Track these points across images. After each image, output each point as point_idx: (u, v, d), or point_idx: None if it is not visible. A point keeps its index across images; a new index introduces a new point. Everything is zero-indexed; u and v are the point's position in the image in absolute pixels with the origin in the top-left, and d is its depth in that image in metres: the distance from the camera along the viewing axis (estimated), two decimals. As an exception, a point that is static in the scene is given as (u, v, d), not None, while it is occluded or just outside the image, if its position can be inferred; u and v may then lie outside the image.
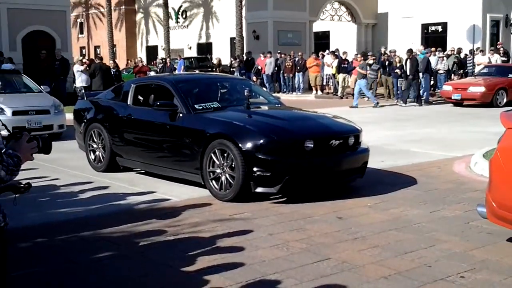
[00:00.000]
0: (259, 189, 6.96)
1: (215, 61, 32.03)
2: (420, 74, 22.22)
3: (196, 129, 7.62)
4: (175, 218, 6.42)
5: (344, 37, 35.18)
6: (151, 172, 8.57)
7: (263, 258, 5.05)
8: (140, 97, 9.04)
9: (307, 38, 31.45)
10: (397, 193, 7.48)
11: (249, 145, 6.93)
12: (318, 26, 34.12)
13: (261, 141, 6.94)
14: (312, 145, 7.04)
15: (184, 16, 46.82)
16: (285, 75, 27.69)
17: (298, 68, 27.14)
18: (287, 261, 4.97)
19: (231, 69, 28.37)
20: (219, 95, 8.72)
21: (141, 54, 50.43)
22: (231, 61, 29.75)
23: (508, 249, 5.25)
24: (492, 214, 5.19)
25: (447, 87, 21.54)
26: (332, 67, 26.39)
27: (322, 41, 36.04)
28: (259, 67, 27.56)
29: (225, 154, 7.11)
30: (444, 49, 27.09)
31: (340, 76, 25.61)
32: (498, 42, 27.94)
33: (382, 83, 24.40)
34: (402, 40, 31.68)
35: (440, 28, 32.76)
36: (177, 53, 39.15)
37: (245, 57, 29.07)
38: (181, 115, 7.87)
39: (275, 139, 7.01)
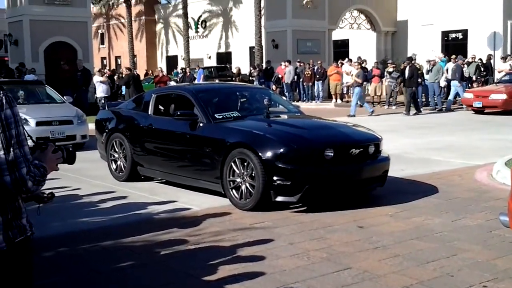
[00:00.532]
0: (279, 198, 6.97)
1: (234, 70, 32.15)
2: (456, 82, 22.15)
3: (216, 138, 7.66)
4: (195, 227, 6.45)
5: (364, 45, 35.10)
6: (171, 182, 8.62)
7: (284, 267, 5.06)
8: (160, 107, 9.09)
9: (326, 47, 31.45)
10: (418, 202, 7.44)
11: (269, 154, 6.94)
12: (337, 35, 34.10)
13: (281, 150, 6.95)
14: (332, 154, 7.03)
15: (203, 26, 47.09)
16: (304, 83, 27.69)
17: (318, 76, 27.13)
18: (308, 270, 4.96)
19: (251, 78, 28.45)
20: (239, 104, 8.76)
21: (161, 64, 50.77)
22: (251, 70, 29.83)
23: (532, 259, 5.19)
24: None
25: (468, 95, 21.37)
26: (351, 75, 26.31)
27: (341, 49, 36.01)
28: (280, 76, 27.60)
29: (245, 163, 7.13)
30: (465, 57, 26.89)
31: (360, 84, 25.53)
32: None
33: (402, 92, 24.27)
34: (422, 48, 31.55)
35: (460, 35, 32.56)
36: (197, 63, 39.40)
37: (264, 66, 29.14)
38: (201, 124, 7.91)
39: (294, 147, 7.02)
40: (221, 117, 7.98)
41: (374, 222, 6.51)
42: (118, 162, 9.31)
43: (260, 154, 6.97)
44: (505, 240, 5.75)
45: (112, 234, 6.29)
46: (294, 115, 8.89)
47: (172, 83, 26.28)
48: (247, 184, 7.13)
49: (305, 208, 7.15)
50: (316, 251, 5.49)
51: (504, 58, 25.49)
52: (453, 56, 25.18)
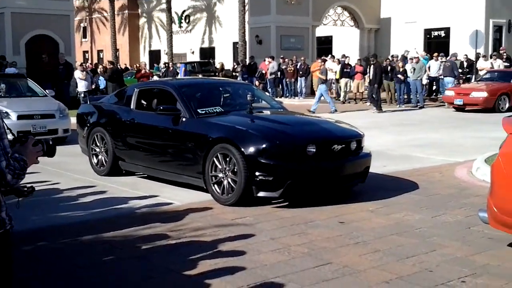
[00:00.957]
0: (261, 194, 6.98)
1: (218, 66, 32.09)
2: (451, 79, 22.39)
3: (198, 133, 7.66)
4: (177, 222, 6.44)
5: (347, 42, 35.22)
6: (153, 176, 8.60)
7: (265, 262, 5.07)
8: (143, 102, 9.06)
9: (309, 43, 31.51)
10: (398, 198, 7.49)
11: (251, 149, 6.96)
12: (321, 31, 34.18)
13: (264, 145, 6.97)
14: (314, 150, 7.06)
15: (187, 20, 46.92)
16: (286, 80, 27.71)
17: (301, 72, 27.18)
18: (289, 265, 4.98)
19: (234, 74, 28.42)
20: (221, 100, 8.75)
21: (144, 58, 50.48)
22: (234, 66, 29.79)
23: (509, 254, 5.26)
24: (493, 219, 5.20)
25: (449, 92, 21.55)
26: (334, 72, 26.43)
27: (325, 46, 36.10)
28: (263, 71, 27.61)
29: (228, 159, 7.13)
30: (446, 55, 27.10)
31: (343, 81, 25.67)
32: (501, 47, 27.96)
33: (385, 88, 24.43)
34: (405, 45, 31.71)
35: (443, 33, 32.79)
36: (180, 58, 39.25)
37: (247, 62, 29.12)
38: (184, 119, 7.91)
39: (277, 143, 7.04)
40: (204, 112, 7.97)
41: (355, 218, 6.55)
42: (99, 157, 9.26)
43: (242, 149, 6.98)
44: (483, 236, 5.82)
45: (92, 228, 6.26)
46: (277, 111, 8.90)
47: (155, 78, 26.15)
48: (229, 180, 7.13)
49: (287, 203, 7.17)
50: (297, 246, 5.51)
51: (485, 57, 25.73)
52: (435, 54, 25.41)
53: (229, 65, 34.10)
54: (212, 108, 8.10)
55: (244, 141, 7.07)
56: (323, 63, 22.94)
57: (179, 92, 8.30)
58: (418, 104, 22.54)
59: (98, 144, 9.27)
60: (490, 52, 28.80)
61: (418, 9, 32.63)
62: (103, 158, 9.20)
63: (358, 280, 4.65)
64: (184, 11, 46.72)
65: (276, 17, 30.23)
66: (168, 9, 42.42)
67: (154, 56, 49.04)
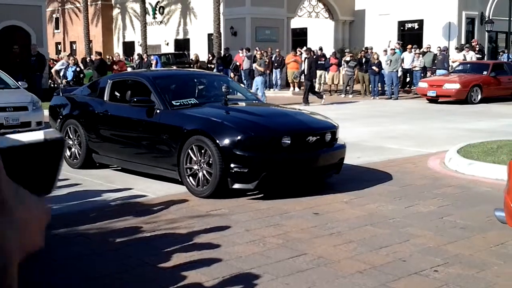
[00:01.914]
0: (236, 186, 6.99)
1: (192, 58, 31.94)
2: (444, 71, 22.64)
3: (173, 125, 7.62)
4: (151, 215, 6.42)
5: (322, 34, 35.31)
6: (127, 169, 8.54)
7: (240, 254, 5.08)
8: (117, 93, 8.98)
9: (284, 35, 31.51)
10: (372, 189, 7.56)
11: (226, 141, 6.95)
12: (296, 23, 34.20)
13: (239, 137, 6.96)
14: (289, 141, 7.08)
15: (161, 11, 46.59)
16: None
17: (276, 64, 27.19)
18: (264, 257, 5.00)
19: (209, 66, 28.32)
20: (196, 91, 8.72)
21: (118, 49, 49.98)
22: (209, 58, 29.67)
23: (481, 244, 5.35)
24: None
25: (422, 84, 21.77)
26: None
27: (300, 37, 36.14)
28: (238, 63, 27.55)
29: (202, 151, 7.12)
30: (420, 46, 27.34)
31: (317, 73, 25.71)
32: (473, 40, 28.28)
33: (359, 80, 24.60)
34: (379, 37, 31.93)
35: (416, 25, 33.07)
36: (154, 49, 38.98)
37: (222, 53, 29.02)
38: (158, 111, 7.85)
39: (252, 135, 7.04)
40: (178, 104, 7.93)
41: (330, 209, 6.60)
42: (73, 149, 9.16)
43: (217, 141, 6.97)
44: (456, 226, 5.90)
45: (66, 221, 6.20)
46: (252, 102, 8.89)
47: (129, 70, 25.89)
48: (204, 172, 7.11)
49: (262, 195, 7.18)
50: (272, 238, 5.54)
51: (458, 49, 26.00)
52: (409, 46, 25.61)
53: (204, 57, 33.97)
54: (187, 100, 8.06)
55: (219, 133, 7.06)
56: (260, 57, 22.67)
57: (153, 83, 8.24)
58: (393, 96, 22.73)
59: (71, 137, 9.17)
60: (463, 43, 29.13)
61: (391, 1, 32.85)
62: (76, 150, 9.10)
63: (332, 270, 4.69)
64: (158, 2, 46.38)
65: (251, 9, 30.17)
66: (142, 0, 42.07)
67: (128, 47, 48.62)
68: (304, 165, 7.39)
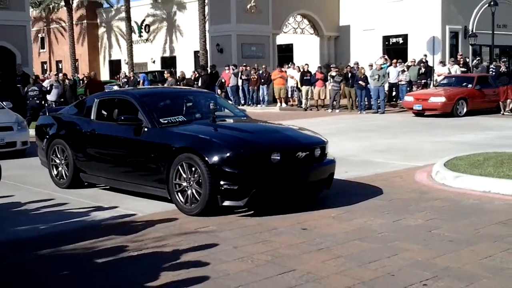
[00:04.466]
0: (226, 203, 6.92)
1: (179, 75, 31.92)
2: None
3: (161, 143, 7.53)
4: (138, 233, 6.36)
5: (307, 49, 35.50)
6: (114, 188, 8.48)
7: (228, 271, 5.04)
8: (104, 112, 8.90)
9: (270, 51, 31.64)
10: (360, 204, 7.54)
11: (215, 158, 6.89)
12: (281, 39, 34.38)
13: (228, 154, 6.91)
14: (278, 158, 7.04)
15: (147, 30, 46.68)
16: (249, 88, 27.74)
17: (262, 80, 27.26)
18: (252, 274, 4.96)
19: (195, 83, 28.31)
20: (184, 109, 8.67)
21: (104, 68, 50.07)
22: (194, 75, 29.68)
23: (469, 257, 5.33)
24: None
25: (408, 98, 21.89)
26: (295, 80, 26.61)
27: (285, 53, 36.32)
28: (223, 80, 27.60)
29: (192, 168, 7.04)
30: (405, 60, 27.52)
31: (304, 89, 25.84)
32: (459, 53, 28.50)
33: (345, 95, 24.70)
34: (364, 52, 32.12)
35: (401, 40, 33.33)
36: (141, 67, 38.99)
37: (209, 70, 29.06)
38: (145, 129, 7.78)
39: (241, 152, 6.98)
40: (166, 121, 7.85)
41: (318, 224, 6.57)
42: (60, 169, 9.08)
43: (206, 158, 6.90)
44: (444, 239, 5.89)
45: (52, 241, 6.13)
46: (241, 119, 8.85)
47: (115, 88, 25.80)
48: (194, 189, 7.04)
49: (251, 212, 7.14)
50: (261, 254, 5.50)
51: (442, 63, 26.21)
52: (394, 60, 25.78)
53: (190, 73, 33.97)
54: (174, 118, 7.98)
55: (207, 150, 6.99)
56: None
57: (139, 101, 8.17)
58: (379, 110, 22.84)
59: (58, 156, 9.08)
60: (447, 58, 29.39)
61: (376, 17, 33.12)
62: (63, 170, 9.01)
63: (321, 286, 4.66)
64: (143, 20, 46.49)
65: (236, 26, 30.28)
66: (128, 18, 42.16)
67: (115, 66, 48.65)
68: (294, 181, 7.34)
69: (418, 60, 26.37)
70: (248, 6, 30.29)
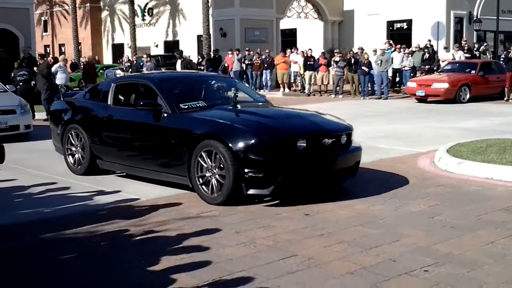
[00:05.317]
0: (251, 191, 6.67)
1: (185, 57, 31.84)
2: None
3: (182, 129, 7.29)
4: (141, 217, 6.38)
5: (311, 34, 35.35)
6: (118, 172, 8.47)
7: (230, 256, 5.06)
8: (120, 97, 8.60)
9: (274, 36, 31.51)
10: (363, 189, 7.54)
11: (240, 145, 6.62)
12: (285, 24, 34.20)
13: (253, 140, 6.64)
14: (304, 144, 6.77)
15: (150, 13, 46.49)
16: (253, 72, 27.68)
17: (266, 65, 27.19)
18: (254, 259, 4.98)
19: (199, 67, 28.26)
20: (204, 94, 8.32)
21: (107, 52, 49.96)
22: (199, 59, 29.63)
23: (471, 243, 5.34)
24: None
25: (411, 84, 21.81)
26: (299, 65, 26.54)
27: (289, 38, 36.16)
28: (226, 64, 27.53)
29: (214, 156, 6.80)
30: (409, 46, 27.40)
31: (307, 74, 25.77)
32: (463, 39, 28.35)
33: (349, 80, 24.63)
34: (368, 37, 31.99)
35: (405, 25, 33.15)
36: (144, 51, 38.85)
37: (212, 55, 29.00)
38: (165, 115, 7.52)
39: (267, 138, 6.71)
40: (186, 107, 7.56)
41: (320, 210, 6.58)
42: (76, 155, 8.83)
43: (230, 145, 6.64)
44: (446, 226, 5.90)
45: (54, 225, 6.16)
46: (262, 104, 8.50)
47: (118, 72, 25.74)
48: (217, 177, 6.80)
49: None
50: (263, 239, 5.51)
51: (446, 48, 26.09)
52: (398, 46, 25.66)
53: (193, 58, 33.89)
54: (195, 103, 7.69)
55: (231, 136, 6.72)
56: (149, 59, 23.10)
57: (159, 86, 7.90)
58: (382, 95, 22.78)
59: (74, 142, 8.85)
60: (451, 43, 29.24)
61: (380, 1, 32.92)
62: (79, 156, 8.77)
63: (322, 271, 4.68)
64: (147, 4, 46.28)
65: (240, 10, 30.14)
66: (131, 2, 41.97)
67: (118, 49, 48.50)
68: (321, 169, 7.07)
69: (422, 45, 26.23)
70: (252, -10, 30.13)
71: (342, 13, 35.40)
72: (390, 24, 33.65)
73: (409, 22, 32.54)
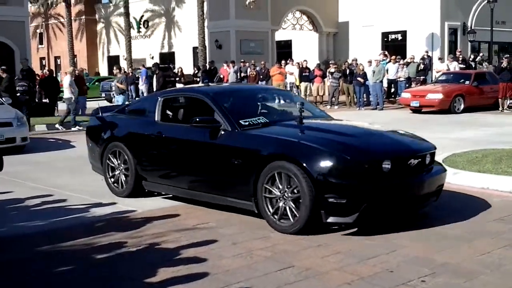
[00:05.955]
0: (331, 219, 5.92)
1: (177, 71, 31.88)
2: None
3: (245, 148, 6.57)
4: (138, 229, 6.37)
5: (306, 45, 35.52)
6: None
7: (227, 267, 5.06)
8: (168, 112, 7.96)
9: (269, 47, 31.68)
10: (359, 200, 7.53)
11: (317, 167, 5.90)
12: (280, 35, 34.38)
13: (333, 162, 5.91)
14: (389, 166, 6.00)
15: (145, 25, 46.63)
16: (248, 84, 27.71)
17: (261, 77, 27.26)
18: (251, 270, 4.98)
19: (194, 79, 28.33)
20: (263, 109, 7.61)
21: (103, 64, 50.06)
22: (194, 70, 29.70)
23: (468, 253, 5.36)
24: None
25: (406, 94, 21.89)
26: (294, 77, 26.62)
27: (284, 50, 36.32)
28: (221, 76, 27.58)
29: (287, 178, 6.07)
30: (404, 57, 27.54)
31: (302, 85, 25.85)
32: (458, 50, 28.51)
33: (344, 91, 24.72)
34: (363, 49, 32.14)
35: (399, 37, 33.35)
36: (140, 63, 38.90)
37: (207, 67, 29.07)
38: (223, 132, 6.79)
39: (348, 159, 5.94)
40: (247, 123, 6.81)
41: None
42: (118, 176, 8.07)
43: (307, 167, 5.91)
44: (443, 236, 5.91)
45: (50, 238, 6.14)
46: (330, 120, 7.70)
47: (113, 84, 25.67)
48: (290, 203, 6.07)
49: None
50: (260, 250, 5.51)
51: (441, 59, 26.22)
52: (393, 57, 25.80)
53: (189, 70, 33.98)
54: (256, 119, 6.93)
55: (307, 157, 5.99)
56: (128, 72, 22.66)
57: (215, 101, 7.14)
58: (378, 106, 22.85)
59: (116, 162, 8.06)
60: (446, 54, 29.40)
61: (375, 13, 33.13)
62: (122, 177, 8.01)
63: (320, 282, 4.68)
64: (142, 16, 46.44)
65: (235, 22, 30.29)
66: (126, 14, 42.09)
67: (113, 61, 48.54)
68: (408, 193, 6.31)
69: (420, 56, 26.34)
70: (247, 2, 30.32)
71: (337, 24, 35.60)
72: (385, 35, 33.86)
73: (404, 33, 32.75)
